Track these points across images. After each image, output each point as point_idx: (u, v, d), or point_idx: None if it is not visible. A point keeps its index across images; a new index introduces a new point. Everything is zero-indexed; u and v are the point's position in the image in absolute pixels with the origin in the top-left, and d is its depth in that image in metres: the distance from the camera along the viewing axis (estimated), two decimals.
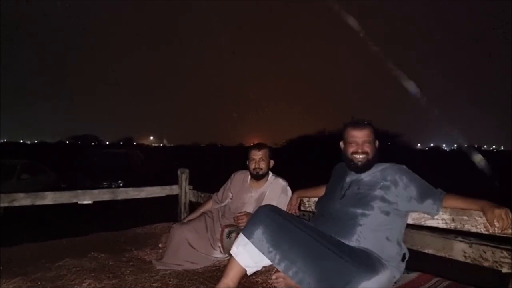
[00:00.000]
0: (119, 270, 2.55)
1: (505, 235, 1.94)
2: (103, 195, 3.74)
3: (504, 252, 1.94)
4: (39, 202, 3.31)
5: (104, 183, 9.73)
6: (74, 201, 3.58)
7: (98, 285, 2.27)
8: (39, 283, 2.30)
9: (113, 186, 9.40)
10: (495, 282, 1.73)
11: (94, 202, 3.75)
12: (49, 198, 3.35)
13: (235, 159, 2.97)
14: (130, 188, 3.92)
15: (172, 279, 2.40)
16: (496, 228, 1.92)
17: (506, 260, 1.95)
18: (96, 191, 3.73)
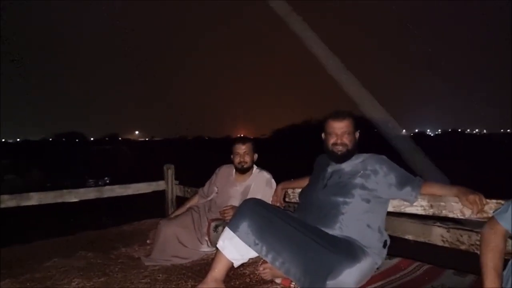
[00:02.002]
0: (108, 268, 2.57)
1: (480, 219, 2.02)
2: (89, 193, 3.74)
3: (480, 236, 2.02)
4: (25, 203, 3.30)
5: (90, 181, 9.68)
6: (60, 200, 3.57)
7: (87, 284, 2.30)
8: (28, 284, 2.32)
9: (100, 183, 9.37)
10: (471, 264, 1.79)
11: (81, 201, 3.75)
12: (35, 198, 3.34)
13: (222, 152, 3.00)
14: (116, 186, 3.92)
15: (161, 275, 2.44)
16: (470, 212, 1.99)
17: None
18: (82, 190, 3.73)
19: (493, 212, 1.72)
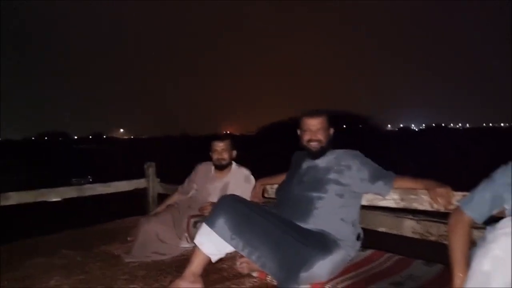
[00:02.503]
0: (87, 265, 2.59)
1: (449, 211, 2.10)
2: (69, 192, 3.74)
3: (447, 226, 2.10)
4: (3, 203, 3.29)
5: (74, 179, 9.62)
6: (40, 200, 3.57)
7: (66, 281, 2.31)
8: (6, 283, 2.33)
9: (82, 182, 9.32)
10: (440, 254, 1.87)
11: (64, 200, 3.74)
12: (13, 198, 3.33)
13: (207, 149, 3.04)
14: (97, 184, 3.94)
15: (140, 271, 2.47)
16: (439, 205, 2.07)
17: None
18: (62, 189, 3.73)
19: (459, 201, 1.79)
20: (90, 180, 9.94)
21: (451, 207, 2.06)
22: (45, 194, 3.60)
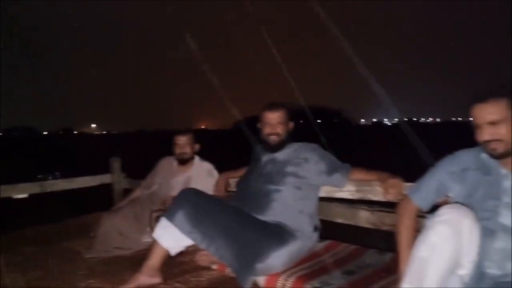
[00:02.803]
0: (46, 262, 2.57)
1: (400, 201, 2.18)
2: (31, 188, 3.67)
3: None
4: None
5: (40, 175, 9.40)
6: (4, 196, 3.49)
7: (22, 278, 2.29)
8: None
9: (50, 178, 9.12)
10: (393, 243, 1.94)
11: (30, 196, 3.67)
12: None
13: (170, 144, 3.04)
14: (60, 180, 3.88)
15: (99, 266, 2.47)
16: (390, 195, 2.14)
17: None
18: (23, 185, 3.66)
19: (407, 190, 1.86)
20: (58, 176, 9.72)
21: (402, 197, 2.14)
22: (7, 190, 3.52)
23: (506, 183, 1.56)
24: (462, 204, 1.53)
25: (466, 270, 1.43)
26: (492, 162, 1.60)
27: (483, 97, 1.55)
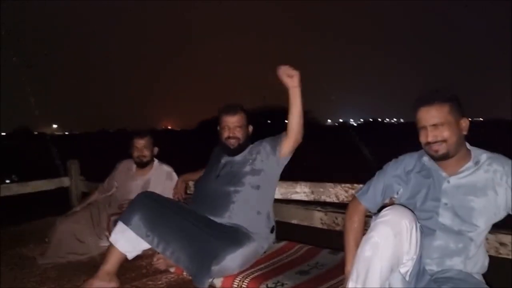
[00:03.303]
0: None
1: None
2: None
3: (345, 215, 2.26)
4: None
5: None
6: None
7: None
8: None
9: (7, 181, 8.76)
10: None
11: None
12: None
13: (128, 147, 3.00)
14: (13, 184, 3.76)
15: (53, 272, 2.43)
16: (287, 80, 2.13)
17: None
18: None
19: (355, 192, 1.93)
20: (16, 179, 9.36)
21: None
22: None
23: (445, 185, 1.65)
24: (404, 205, 1.62)
25: (407, 267, 1.51)
26: (433, 165, 1.70)
27: (428, 100, 1.63)
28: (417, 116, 1.66)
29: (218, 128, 2.52)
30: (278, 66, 2.14)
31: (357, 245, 1.68)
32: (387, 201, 1.86)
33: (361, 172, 2.32)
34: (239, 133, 2.43)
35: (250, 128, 2.52)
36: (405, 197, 1.75)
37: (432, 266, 1.61)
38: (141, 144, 2.99)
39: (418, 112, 1.65)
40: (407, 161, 1.80)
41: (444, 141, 1.59)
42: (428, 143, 1.62)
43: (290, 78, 2.13)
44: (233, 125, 2.43)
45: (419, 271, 1.56)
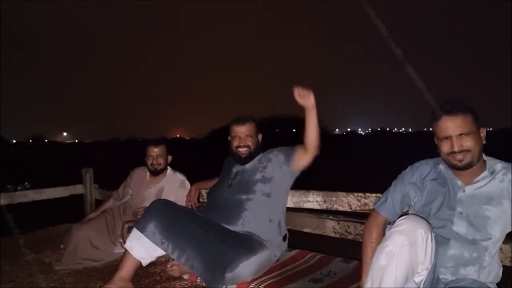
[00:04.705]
0: (16, 274, 2.55)
1: (365, 211, 2.29)
2: None
3: (364, 227, 2.27)
4: None
5: (8, 186, 9.12)
6: None
7: None
8: None
9: (19, 188, 8.86)
10: (357, 252, 2.02)
11: None
12: None
13: (142, 155, 3.06)
14: (30, 191, 3.83)
15: (69, 278, 2.46)
16: (303, 102, 2.16)
17: None
18: None
19: (374, 204, 1.93)
20: (28, 186, 9.47)
21: (367, 207, 2.24)
22: None
23: (460, 194, 1.66)
24: (419, 214, 1.63)
25: (421, 276, 1.52)
26: (449, 173, 1.71)
27: (452, 109, 1.62)
28: (440, 125, 1.65)
29: (229, 138, 2.57)
30: (294, 87, 2.17)
31: (372, 257, 1.69)
32: (405, 209, 1.86)
33: (372, 180, 2.34)
34: (249, 142, 2.48)
35: (260, 136, 2.58)
36: (419, 204, 1.75)
37: (446, 275, 1.62)
38: (155, 153, 3.05)
39: (440, 121, 1.65)
40: (423, 168, 1.80)
41: (469, 150, 1.59)
42: (453, 153, 1.61)
43: (306, 100, 2.17)
44: (243, 135, 2.49)
45: (433, 280, 1.57)
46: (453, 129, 1.61)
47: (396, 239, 1.47)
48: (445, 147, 1.65)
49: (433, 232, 1.53)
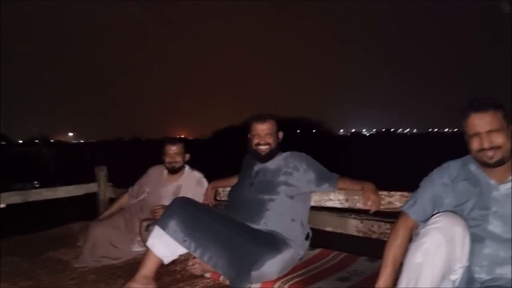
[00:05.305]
0: (34, 271, 2.53)
1: (388, 210, 2.26)
2: (13, 197, 3.60)
3: (388, 225, 2.25)
4: None
5: (17, 184, 9.17)
6: None
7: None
8: None
9: (27, 187, 8.91)
10: (382, 251, 1.99)
11: (8, 206, 3.60)
12: None
13: (159, 153, 3.06)
14: (44, 189, 3.82)
15: (90, 275, 2.45)
16: (368, 206, 2.26)
17: (390, 231, 2.26)
18: (5, 194, 3.58)
19: (402, 206, 1.88)
20: (37, 185, 9.52)
21: (391, 206, 2.23)
22: None
23: (495, 193, 1.63)
24: (454, 212, 1.60)
25: (457, 275, 1.50)
26: (480, 173, 1.68)
27: (481, 106, 1.60)
28: (469, 122, 1.63)
29: (249, 135, 2.56)
30: (372, 194, 2.27)
31: (395, 261, 1.67)
32: (436, 211, 1.82)
33: (381, 181, 2.33)
34: (270, 139, 2.48)
35: (281, 134, 2.57)
36: (451, 205, 1.71)
37: (481, 274, 1.59)
38: (173, 151, 3.04)
39: (469, 118, 1.63)
40: (452, 168, 1.77)
41: (499, 147, 1.57)
42: (483, 150, 1.59)
43: (371, 207, 2.26)
44: (263, 133, 2.48)
45: (468, 279, 1.54)
46: (482, 125, 1.59)
47: (433, 236, 1.45)
48: (474, 144, 1.63)
49: (469, 230, 1.51)
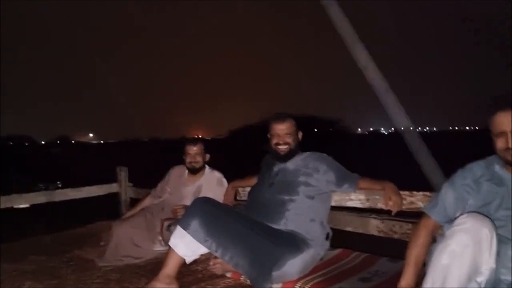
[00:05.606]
0: (60, 270, 2.59)
1: (409, 209, 2.24)
2: (39, 198, 3.69)
3: (410, 225, 2.22)
4: None
5: (41, 185, 9.40)
6: (9, 205, 3.51)
7: (39, 286, 2.31)
8: None
9: (51, 187, 9.12)
10: (404, 251, 1.98)
11: (32, 206, 3.69)
12: None
13: (178, 153, 3.10)
14: (68, 189, 3.91)
15: (114, 274, 2.49)
16: (388, 207, 2.25)
17: (411, 231, 2.24)
18: (32, 194, 3.69)
19: (424, 207, 1.87)
20: (59, 185, 9.73)
21: (412, 205, 2.21)
22: (12, 200, 3.53)
23: None
24: (479, 213, 1.58)
25: (483, 276, 1.47)
26: (505, 173, 1.65)
27: (507, 105, 1.60)
28: (495, 121, 1.62)
29: (268, 135, 2.57)
30: (393, 195, 2.26)
31: (418, 263, 1.66)
32: (459, 213, 1.80)
33: (402, 181, 2.31)
34: (289, 139, 2.49)
35: (300, 134, 2.58)
36: (476, 206, 1.69)
37: (507, 276, 1.56)
38: (194, 151, 3.07)
39: (496, 117, 1.62)
40: (475, 169, 1.75)
41: None
42: (509, 149, 1.57)
43: (392, 207, 2.25)
44: (282, 132, 2.50)
45: (495, 280, 1.52)
46: (508, 124, 1.57)
47: (459, 238, 1.43)
48: (500, 143, 1.61)
49: (496, 232, 1.48)
